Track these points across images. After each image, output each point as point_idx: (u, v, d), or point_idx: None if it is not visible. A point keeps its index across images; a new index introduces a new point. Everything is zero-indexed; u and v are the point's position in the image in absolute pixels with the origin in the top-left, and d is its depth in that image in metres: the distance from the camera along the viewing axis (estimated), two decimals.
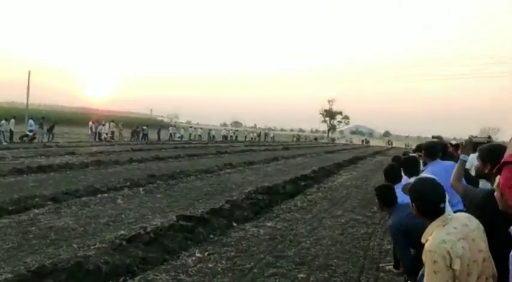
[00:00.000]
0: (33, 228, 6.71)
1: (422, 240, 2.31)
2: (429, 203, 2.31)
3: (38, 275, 4.42)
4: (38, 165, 13.55)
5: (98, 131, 33.37)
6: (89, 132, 34.47)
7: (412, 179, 4.17)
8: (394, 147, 62.74)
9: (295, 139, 78.56)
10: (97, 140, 32.42)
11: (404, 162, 5.35)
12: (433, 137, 5.76)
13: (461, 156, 3.29)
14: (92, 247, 5.76)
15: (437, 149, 4.47)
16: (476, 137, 3.42)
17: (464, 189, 3.14)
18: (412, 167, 4.92)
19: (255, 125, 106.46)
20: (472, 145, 3.46)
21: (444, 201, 2.31)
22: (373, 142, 78.21)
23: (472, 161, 4.18)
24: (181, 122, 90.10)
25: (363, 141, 76.76)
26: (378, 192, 4.54)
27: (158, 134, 41.00)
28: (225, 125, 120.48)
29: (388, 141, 77.54)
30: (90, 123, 34.52)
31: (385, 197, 4.39)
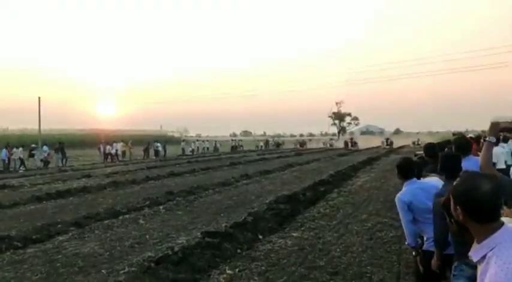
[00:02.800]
0: (60, 256, 6.66)
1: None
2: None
3: None
4: (56, 191, 13.59)
5: (107, 151, 33.35)
6: (99, 153, 34.60)
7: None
8: (392, 150, 47.28)
9: (261, 146, 63.68)
10: (109, 160, 32.47)
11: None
12: (453, 134, 5.54)
13: (489, 138, 3.05)
14: (121, 272, 5.67)
15: (412, 168, 3.99)
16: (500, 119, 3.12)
17: (500, 177, 2.92)
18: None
19: (264, 133, 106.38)
20: (500, 128, 3.18)
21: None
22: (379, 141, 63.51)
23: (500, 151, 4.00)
24: (192, 136, 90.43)
25: (383, 142, 58.58)
26: (400, 162, 4.09)
27: (164, 149, 40.78)
28: (234, 135, 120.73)
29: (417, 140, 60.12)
30: (101, 145, 34.60)
31: (405, 168, 3.99)
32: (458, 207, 1.63)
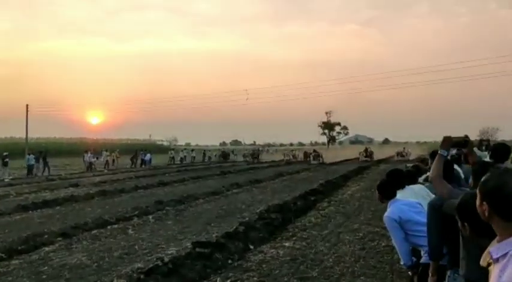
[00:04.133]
0: (46, 267, 6.49)
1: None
2: None
3: None
4: (43, 200, 13.34)
5: (90, 160, 32.70)
6: (83, 163, 33.89)
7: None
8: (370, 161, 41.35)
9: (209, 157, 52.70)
10: (93, 169, 31.91)
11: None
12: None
13: (441, 151, 3.07)
14: None
15: (391, 188, 3.90)
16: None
17: (450, 190, 2.88)
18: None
19: (254, 142, 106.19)
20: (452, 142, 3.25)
21: None
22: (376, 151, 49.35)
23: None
24: (181, 145, 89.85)
25: (362, 153, 45.78)
26: (380, 183, 4.01)
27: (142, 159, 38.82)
28: (224, 144, 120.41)
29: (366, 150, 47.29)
30: (85, 154, 33.91)
31: (386, 188, 3.91)
32: (484, 202, 1.58)
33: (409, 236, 3.48)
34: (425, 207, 3.30)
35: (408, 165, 7.87)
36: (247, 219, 9.64)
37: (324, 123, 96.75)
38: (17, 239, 7.92)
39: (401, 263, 3.60)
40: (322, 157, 42.62)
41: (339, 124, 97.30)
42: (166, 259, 6.22)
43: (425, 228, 3.35)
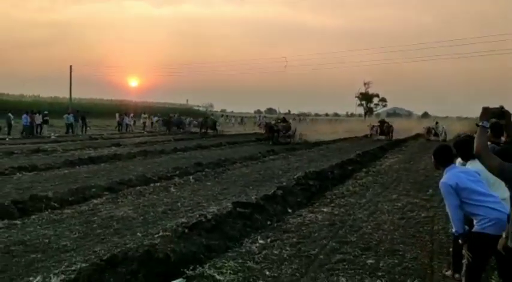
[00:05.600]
0: (95, 218, 6.85)
1: None
2: None
3: (110, 264, 4.47)
4: (88, 157, 13.93)
5: (124, 122, 33.85)
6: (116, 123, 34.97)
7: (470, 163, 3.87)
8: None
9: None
10: (123, 131, 32.90)
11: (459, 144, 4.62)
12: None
13: (482, 123, 2.96)
14: (156, 235, 5.77)
15: (449, 154, 3.85)
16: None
17: (500, 162, 2.81)
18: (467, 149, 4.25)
19: (288, 111, 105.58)
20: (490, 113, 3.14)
21: None
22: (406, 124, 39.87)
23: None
24: (216, 111, 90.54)
25: (375, 127, 32.03)
26: (437, 149, 3.96)
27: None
28: (259, 112, 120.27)
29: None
30: (117, 115, 35.02)
31: (443, 155, 3.91)
32: None
33: (464, 204, 3.46)
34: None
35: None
36: (284, 184, 9.76)
37: (361, 94, 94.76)
38: (67, 191, 8.36)
39: (453, 230, 3.58)
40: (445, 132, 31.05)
41: (377, 95, 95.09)
42: (209, 216, 6.45)
43: (481, 198, 3.39)
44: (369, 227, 6.59)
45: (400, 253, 5.38)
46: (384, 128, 31.24)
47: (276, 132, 24.31)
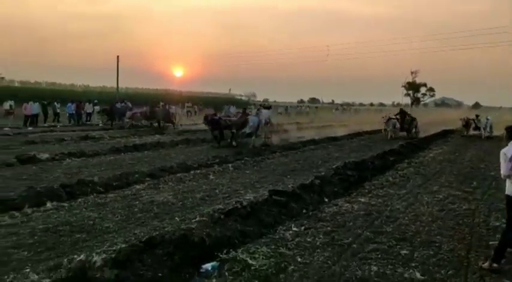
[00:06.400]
0: (137, 202, 7.15)
1: None
2: None
3: (149, 245, 4.68)
4: (133, 144, 14.44)
5: (172, 112, 34.39)
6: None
7: None
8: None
9: None
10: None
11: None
12: None
13: None
14: (193, 220, 5.98)
15: None
16: None
17: None
18: None
19: (332, 101, 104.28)
20: None
21: None
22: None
23: None
24: (259, 100, 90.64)
25: (391, 120, 22.50)
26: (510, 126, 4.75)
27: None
28: (302, 101, 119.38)
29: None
30: (161, 104, 35.67)
31: None
32: None
33: None
34: None
35: None
36: (323, 173, 9.75)
37: (408, 83, 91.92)
38: (112, 176, 8.75)
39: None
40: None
41: (424, 85, 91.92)
42: (244, 203, 6.58)
43: None
44: (406, 218, 6.50)
45: (437, 245, 5.29)
46: (405, 121, 22.56)
47: (227, 129, 16.30)
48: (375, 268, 4.48)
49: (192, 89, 72.98)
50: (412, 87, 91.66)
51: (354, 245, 5.21)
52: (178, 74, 76.46)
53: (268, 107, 23.45)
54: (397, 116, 22.80)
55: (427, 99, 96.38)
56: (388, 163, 12.06)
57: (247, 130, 16.18)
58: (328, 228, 5.88)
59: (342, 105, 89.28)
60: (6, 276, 4.07)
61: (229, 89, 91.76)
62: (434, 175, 10.60)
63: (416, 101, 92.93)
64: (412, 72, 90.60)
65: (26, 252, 4.75)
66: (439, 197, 8.00)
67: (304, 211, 6.78)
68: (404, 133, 22.46)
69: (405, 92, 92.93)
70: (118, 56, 39.24)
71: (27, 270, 4.20)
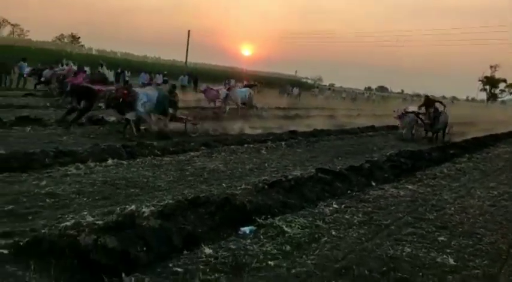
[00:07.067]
0: (189, 167, 7.57)
1: None
2: None
3: (193, 203, 5.02)
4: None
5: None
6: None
7: None
8: None
9: None
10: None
11: None
12: None
13: None
14: (238, 188, 6.28)
15: None
16: None
17: None
18: None
19: (402, 90, 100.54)
20: None
21: None
22: None
23: None
24: (325, 85, 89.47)
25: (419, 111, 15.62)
26: None
27: None
28: (369, 89, 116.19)
29: None
30: (226, 81, 36.52)
31: None
32: None
33: None
34: None
35: None
36: (375, 159, 9.67)
37: (486, 78, 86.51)
38: (170, 142, 9.28)
39: None
40: None
41: (504, 81, 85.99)
42: (289, 177, 6.77)
43: None
44: (453, 208, 6.37)
45: (478, 236, 5.19)
46: (431, 115, 15.19)
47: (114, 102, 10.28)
48: (408, 250, 4.52)
49: (258, 68, 73.30)
50: (490, 82, 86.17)
51: (392, 227, 5.25)
52: (246, 52, 77.16)
53: (249, 86, 22.54)
54: (421, 109, 15.69)
55: (506, 97, 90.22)
56: (447, 156, 11.64)
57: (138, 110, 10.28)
58: (369, 209, 5.93)
59: (412, 95, 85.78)
60: (66, 216, 4.59)
61: (296, 71, 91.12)
62: (494, 172, 10.15)
63: (493, 97, 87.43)
64: (491, 67, 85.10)
65: (85, 199, 5.28)
66: (493, 193, 7.71)
67: (348, 192, 6.84)
68: (428, 134, 15.86)
69: (481, 87, 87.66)
70: (189, 31, 40.35)
71: (85, 213, 4.69)
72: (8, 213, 4.54)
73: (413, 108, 16.33)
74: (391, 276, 3.87)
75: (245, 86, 22.21)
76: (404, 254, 4.40)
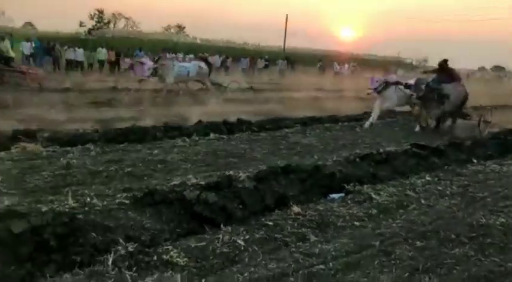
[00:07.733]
0: (284, 142, 7.95)
1: None
2: None
3: (285, 171, 5.36)
4: (290, 96, 15.41)
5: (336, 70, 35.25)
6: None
7: None
8: None
9: None
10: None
11: None
12: None
13: None
14: (330, 160, 6.49)
15: None
16: None
17: None
18: None
19: None
20: None
21: None
22: None
23: None
24: (431, 66, 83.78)
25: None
26: None
27: None
28: (483, 69, 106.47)
29: None
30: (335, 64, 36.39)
31: None
32: None
33: None
34: None
35: None
36: (478, 137, 9.17)
37: None
38: (266, 120, 9.76)
39: None
40: None
41: None
42: (381, 150, 6.80)
43: None
44: None
45: None
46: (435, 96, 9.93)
47: None
48: (502, 219, 4.41)
49: (361, 51, 71.20)
50: None
51: (488, 199, 5.10)
52: (346, 35, 75.42)
53: (205, 59, 17.67)
54: (428, 74, 11.52)
55: None
56: None
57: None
58: (465, 182, 5.78)
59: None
60: (174, 178, 5.23)
61: (398, 52, 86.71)
62: None
63: None
64: None
65: (190, 165, 5.92)
66: None
67: (445, 167, 6.67)
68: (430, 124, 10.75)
69: None
70: (287, 15, 40.70)
71: (190, 176, 5.29)
72: (128, 174, 5.32)
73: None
74: (479, 241, 3.85)
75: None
76: (497, 223, 4.31)
